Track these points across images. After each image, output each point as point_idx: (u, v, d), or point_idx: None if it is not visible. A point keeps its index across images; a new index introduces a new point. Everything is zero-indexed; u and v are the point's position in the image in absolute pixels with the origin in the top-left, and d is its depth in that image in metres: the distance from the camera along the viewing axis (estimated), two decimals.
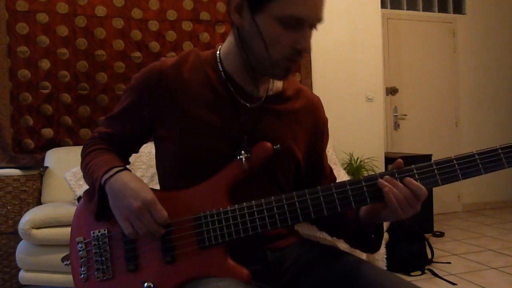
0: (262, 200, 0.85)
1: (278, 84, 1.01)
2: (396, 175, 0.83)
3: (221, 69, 0.95)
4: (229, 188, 0.88)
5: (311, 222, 1.08)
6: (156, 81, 0.93)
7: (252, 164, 0.89)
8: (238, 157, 0.88)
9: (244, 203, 0.86)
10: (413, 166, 0.83)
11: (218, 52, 0.97)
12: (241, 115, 0.93)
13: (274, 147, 0.91)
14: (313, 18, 0.84)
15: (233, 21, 0.90)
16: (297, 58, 0.88)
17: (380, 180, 0.82)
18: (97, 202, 0.89)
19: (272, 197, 0.85)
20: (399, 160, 0.85)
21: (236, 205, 0.86)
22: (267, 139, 0.92)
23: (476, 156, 0.82)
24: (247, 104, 0.94)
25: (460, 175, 0.82)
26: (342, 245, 2.36)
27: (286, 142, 0.95)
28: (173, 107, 0.92)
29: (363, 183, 0.83)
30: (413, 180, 0.81)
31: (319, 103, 1.07)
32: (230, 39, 0.95)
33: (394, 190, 0.81)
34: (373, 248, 0.97)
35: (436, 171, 0.82)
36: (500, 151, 0.81)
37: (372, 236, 0.97)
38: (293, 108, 0.99)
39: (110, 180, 0.87)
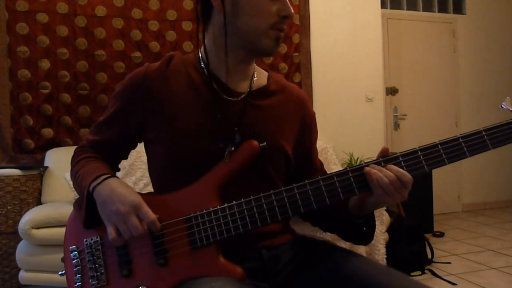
0: (251, 197, 0.86)
1: (262, 80, 1.02)
2: (382, 164, 0.84)
3: (204, 68, 0.97)
4: (218, 187, 0.89)
5: (304, 219, 1.09)
6: (141, 85, 0.95)
7: (234, 162, 0.89)
8: (225, 150, 0.89)
9: (234, 201, 0.86)
10: (398, 153, 0.83)
11: (199, 53, 0.99)
12: (225, 111, 0.93)
13: (261, 144, 0.91)
14: None
15: (214, 8, 0.92)
16: (283, 26, 0.93)
17: (366, 167, 0.83)
18: (85, 210, 0.90)
19: (261, 194, 0.86)
20: (385, 147, 0.86)
21: (226, 204, 0.86)
22: (253, 133, 0.93)
23: (461, 140, 0.82)
24: (230, 98, 0.95)
25: (445, 160, 0.82)
26: (342, 245, 2.36)
27: (273, 137, 0.96)
28: (159, 109, 0.94)
29: (350, 174, 0.84)
30: (396, 167, 0.82)
31: (306, 98, 1.08)
32: (208, 38, 0.97)
33: (379, 174, 0.81)
34: (365, 240, 0.98)
35: (421, 157, 0.82)
36: (484, 133, 0.82)
37: (364, 228, 0.97)
38: (277, 103, 1.00)
39: (98, 187, 0.88)
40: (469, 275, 2.64)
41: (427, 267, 2.78)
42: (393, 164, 0.83)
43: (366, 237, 0.97)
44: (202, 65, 0.97)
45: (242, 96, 0.96)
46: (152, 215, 0.83)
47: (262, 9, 0.89)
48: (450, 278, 2.59)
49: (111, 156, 1.02)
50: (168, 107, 0.93)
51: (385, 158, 0.84)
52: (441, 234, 3.63)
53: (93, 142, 1.01)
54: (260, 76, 1.03)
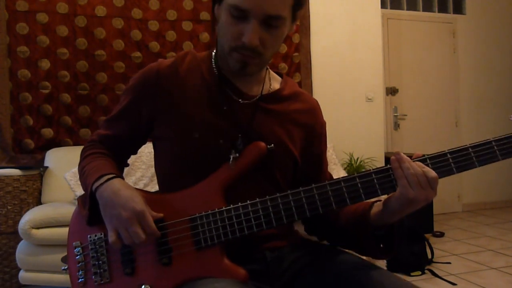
0: (257, 199, 0.85)
1: (275, 85, 1.01)
2: (428, 160, 0.82)
3: (215, 68, 0.96)
4: (223, 188, 0.88)
5: (310, 233, 1.07)
6: (154, 81, 0.94)
7: (241, 163, 0.89)
8: (230, 156, 0.89)
9: (239, 203, 0.86)
10: (426, 155, 0.82)
11: (214, 52, 0.99)
12: (236, 114, 0.93)
13: (268, 146, 0.90)
14: (258, 11, 0.82)
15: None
16: (246, 52, 0.86)
17: (392, 157, 0.82)
18: (89, 209, 0.90)
19: (267, 196, 0.85)
20: (418, 153, 0.84)
21: (232, 205, 0.86)
22: (261, 137, 0.92)
23: (470, 150, 0.82)
24: (240, 101, 0.94)
25: (454, 169, 0.82)
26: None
27: (281, 140, 0.95)
28: (170, 107, 0.93)
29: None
30: (422, 164, 0.80)
31: (317, 106, 1.07)
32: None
33: (405, 165, 0.79)
34: (385, 255, 0.94)
35: (430, 166, 0.81)
36: (494, 143, 0.82)
37: (381, 245, 0.93)
38: (288, 109, 1.00)
39: (101, 188, 0.88)
40: (469, 275, 2.64)
41: (427, 267, 2.78)
42: None
43: (386, 252, 0.93)
44: (214, 66, 0.97)
45: (253, 100, 0.96)
46: (153, 226, 0.83)
47: (227, 30, 0.86)
48: (450, 278, 2.59)
49: (120, 150, 1.02)
50: (178, 105, 0.93)
51: (412, 159, 0.82)
52: (441, 234, 3.63)
53: (103, 137, 1.01)
54: (273, 81, 1.02)
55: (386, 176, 0.83)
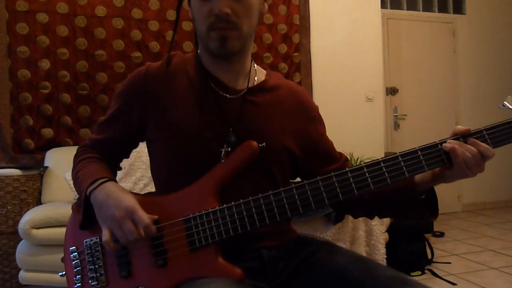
0: (250, 198, 0.86)
1: (260, 78, 1.02)
2: (461, 139, 0.83)
3: (200, 67, 0.97)
4: (217, 188, 0.89)
5: (339, 211, 1.08)
6: (142, 85, 0.96)
7: (233, 163, 0.89)
8: (221, 150, 0.89)
9: (233, 202, 0.86)
10: (482, 128, 0.83)
11: (198, 51, 1.00)
12: (224, 109, 0.94)
13: (260, 145, 0.91)
14: None
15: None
16: (221, 24, 0.88)
17: (445, 144, 0.83)
18: (82, 213, 0.91)
19: (260, 194, 0.86)
20: (468, 128, 0.85)
21: (225, 205, 0.86)
22: (252, 131, 0.93)
23: (461, 140, 0.84)
24: (227, 96, 0.95)
25: (445, 159, 0.83)
26: (341, 244, 2.35)
27: (273, 135, 0.95)
28: (159, 109, 0.94)
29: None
30: (478, 141, 0.82)
31: (304, 92, 1.07)
32: None
33: (460, 149, 0.81)
34: (431, 215, 0.93)
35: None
36: (484, 132, 0.84)
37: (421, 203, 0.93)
38: (275, 99, 1.00)
39: (95, 191, 0.89)
40: (469, 275, 2.64)
41: (427, 267, 2.78)
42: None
43: (432, 212, 0.93)
44: (200, 64, 0.98)
45: (240, 94, 0.96)
46: (146, 219, 0.83)
47: (200, 14, 0.89)
48: (450, 278, 2.59)
49: (112, 154, 1.03)
50: (168, 107, 0.94)
51: (463, 135, 0.84)
52: (441, 234, 3.63)
53: (95, 141, 1.02)
54: (259, 74, 1.03)
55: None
